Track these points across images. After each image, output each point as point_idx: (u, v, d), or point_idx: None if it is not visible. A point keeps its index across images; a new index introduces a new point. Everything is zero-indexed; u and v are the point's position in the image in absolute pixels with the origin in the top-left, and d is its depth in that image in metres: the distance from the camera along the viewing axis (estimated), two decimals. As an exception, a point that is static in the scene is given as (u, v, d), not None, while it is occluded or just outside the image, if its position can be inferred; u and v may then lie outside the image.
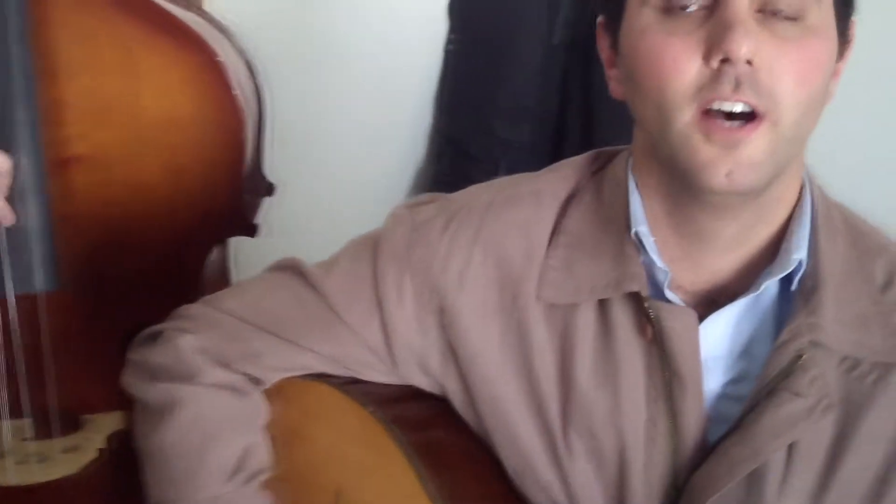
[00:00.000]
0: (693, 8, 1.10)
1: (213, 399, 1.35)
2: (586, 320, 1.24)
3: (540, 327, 1.26)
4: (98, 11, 1.70)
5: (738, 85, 1.08)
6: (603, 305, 1.24)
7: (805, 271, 1.21)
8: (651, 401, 1.22)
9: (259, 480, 1.35)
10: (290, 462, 1.37)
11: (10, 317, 1.64)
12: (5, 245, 1.63)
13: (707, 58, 1.09)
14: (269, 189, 1.92)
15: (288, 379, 1.38)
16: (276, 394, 1.39)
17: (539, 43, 2.84)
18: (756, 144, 1.09)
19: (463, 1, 2.79)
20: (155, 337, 1.42)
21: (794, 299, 1.20)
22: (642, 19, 1.14)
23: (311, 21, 2.77)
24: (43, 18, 1.67)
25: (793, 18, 1.10)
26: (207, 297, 1.44)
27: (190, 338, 1.37)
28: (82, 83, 1.70)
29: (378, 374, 1.36)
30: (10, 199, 1.56)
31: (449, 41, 2.80)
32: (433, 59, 2.83)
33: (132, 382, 1.42)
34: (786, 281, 1.21)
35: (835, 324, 1.19)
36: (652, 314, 1.21)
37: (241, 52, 1.93)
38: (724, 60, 1.07)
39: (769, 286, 1.20)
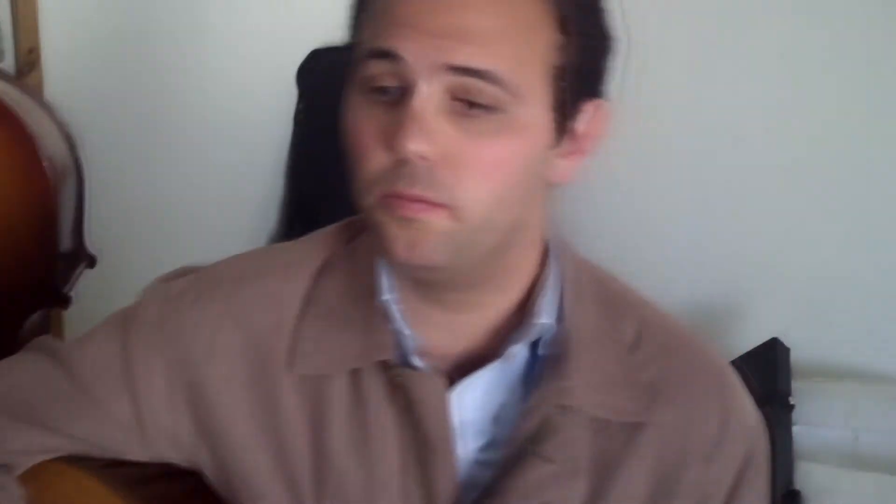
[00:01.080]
0: (388, 93, 1.09)
1: None
2: (340, 391, 1.24)
3: (291, 399, 1.25)
4: None
5: (413, 181, 1.07)
6: (356, 375, 1.24)
7: (553, 337, 1.22)
8: (405, 469, 1.22)
9: None
10: None
11: None
12: None
13: (389, 147, 1.08)
14: (90, 261, 1.95)
15: (41, 464, 1.33)
16: (30, 479, 1.33)
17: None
18: (432, 226, 1.09)
19: (309, 69, 2.84)
20: None
21: (544, 364, 1.22)
22: (352, 97, 1.13)
23: (159, 92, 2.80)
24: None
25: (493, 111, 1.07)
26: None
27: None
28: None
29: (132, 452, 1.32)
30: None
31: (298, 110, 2.84)
32: (284, 129, 2.86)
33: None
34: (536, 346, 1.24)
35: (584, 387, 1.21)
36: (401, 382, 1.21)
37: (60, 126, 1.97)
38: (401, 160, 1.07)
39: (518, 352, 1.22)
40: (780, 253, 2.70)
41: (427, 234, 1.08)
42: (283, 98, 2.76)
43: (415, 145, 1.05)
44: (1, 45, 2.58)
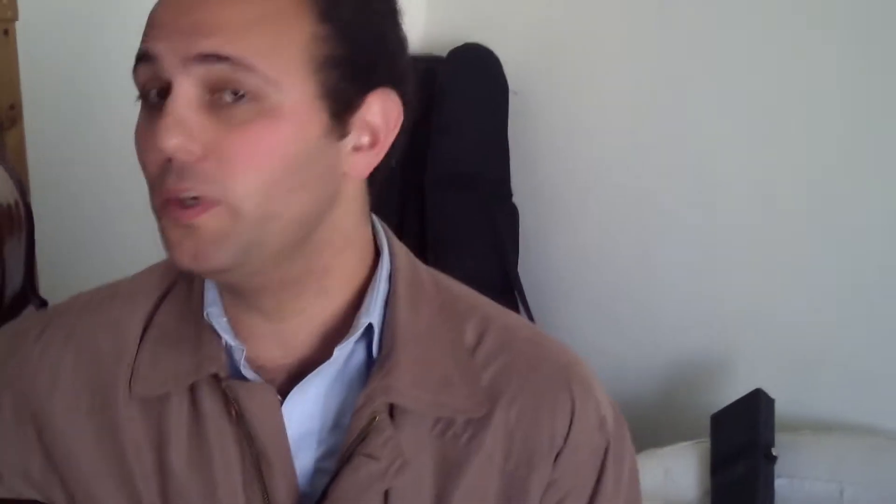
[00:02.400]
0: (156, 95, 1.08)
1: None
2: (179, 409, 1.22)
3: (134, 424, 1.23)
4: None
5: (181, 176, 1.05)
6: (193, 393, 1.22)
7: (381, 337, 1.21)
8: (246, 483, 1.20)
9: None
10: None
11: None
12: None
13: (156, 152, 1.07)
14: (41, 304, 1.94)
15: None
16: None
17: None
18: (210, 226, 1.07)
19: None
20: None
21: (373, 365, 1.20)
22: (139, 106, 1.12)
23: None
24: None
25: (251, 100, 1.06)
26: None
27: None
28: None
29: None
30: None
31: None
32: None
33: None
34: (369, 349, 1.22)
35: (411, 385, 1.19)
36: (231, 395, 1.19)
37: (9, 171, 1.97)
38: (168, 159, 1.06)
39: (345, 354, 1.20)
40: (766, 305, 2.69)
41: (207, 238, 1.07)
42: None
43: (171, 140, 1.04)
44: (-19, 101, 2.59)
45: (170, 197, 1.06)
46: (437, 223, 3.01)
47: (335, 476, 1.19)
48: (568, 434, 1.23)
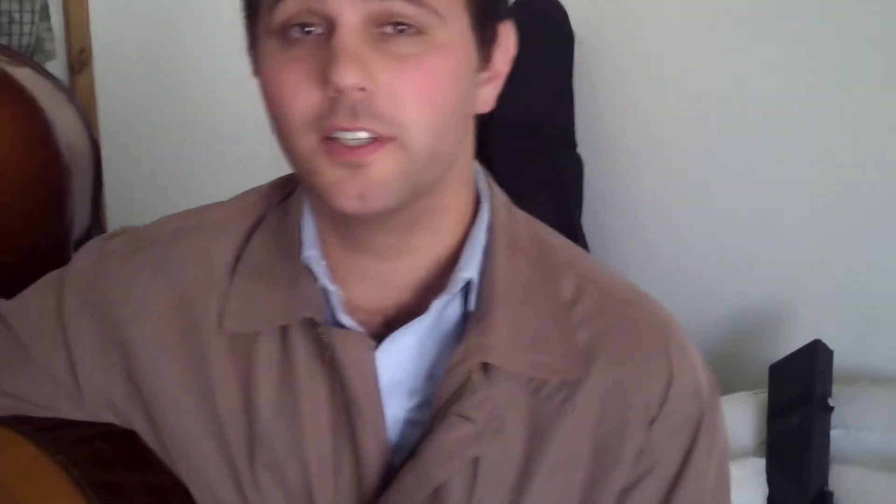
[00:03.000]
0: (310, 33, 1.06)
1: None
2: (268, 349, 1.21)
3: (222, 359, 1.22)
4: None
5: (354, 114, 1.03)
6: (284, 334, 1.21)
7: (477, 292, 1.18)
8: (336, 430, 1.19)
9: None
10: None
11: None
12: None
13: (322, 87, 1.04)
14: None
15: None
16: None
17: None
18: (382, 165, 1.06)
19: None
20: None
21: (468, 321, 1.18)
22: (266, 46, 1.09)
23: (202, 92, 2.84)
24: None
25: (414, 34, 1.05)
26: None
27: None
28: None
29: (68, 411, 1.30)
30: None
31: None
32: None
33: None
34: (466, 303, 1.20)
35: (508, 345, 1.16)
36: (326, 341, 1.18)
37: (77, 109, 2.02)
38: (338, 91, 1.03)
39: (442, 308, 1.18)
40: (825, 256, 2.67)
41: (376, 179, 1.06)
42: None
43: (351, 78, 1.02)
44: (53, 45, 2.65)
45: (334, 135, 1.05)
46: (501, 172, 3.02)
47: (428, 433, 1.17)
48: (664, 401, 1.20)
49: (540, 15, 3.07)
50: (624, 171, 3.10)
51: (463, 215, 1.20)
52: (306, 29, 1.05)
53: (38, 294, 1.31)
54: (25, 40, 2.53)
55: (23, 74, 1.89)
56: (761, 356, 2.63)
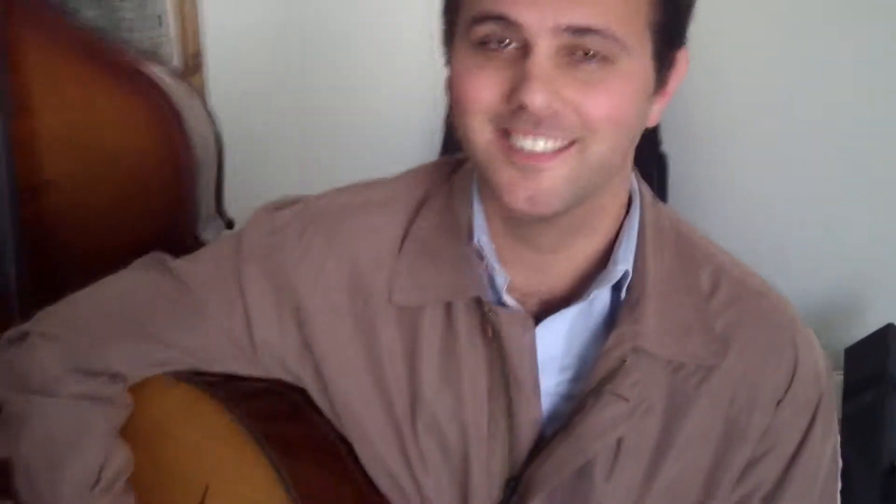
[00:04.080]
0: (506, 47, 1.14)
1: (68, 411, 1.38)
2: (433, 322, 1.30)
3: (390, 328, 1.32)
4: (66, 58, 1.98)
5: (537, 124, 1.12)
6: (448, 308, 1.30)
7: (630, 282, 1.28)
8: (492, 399, 1.29)
9: (119, 485, 1.39)
10: (157, 461, 1.42)
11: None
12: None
13: (508, 97, 1.13)
14: (228, 224, 2.16)
15: (151, 380, 1.41)
16: (140, 395, 1.42)
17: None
18: (557, 173, 1.15)
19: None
20: (22, 338, 1.43)
21: (621, 308, 1.27)
22: (462, 51, 1.18)
23: (314, 92, 2.98)
24: (18, 62, 1.96)
25: (601, 61, 1.13)
26: (73, 296, 1.45)
27: (52, 347, 1.40)
28: (50, 118, 1.97)
29: (239, 364, 1.39)
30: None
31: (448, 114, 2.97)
32: (433, 135, 2.97)
33: None
34: (617, 290, 1.29)
35: (657, 332, 1.26)
36: (491, 318, 1.27)
37: (203, 105, 2.20)
38: (521, 107, 1.12)
39: (600, 294, 1.28)
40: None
41: (548, 185, 1.15)
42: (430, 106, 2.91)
43: (540, 98, 1.11)
44: (170, 49, 2.83)
45: (512, 142, 1.15)
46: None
47: (581, 409, 1.28)
48: (790, 385, 1.30)
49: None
50: (706, 167, 3.21)
51: (618, 214, 1.30)
52: (498, 46, 1.15)
53: (214, 259, 1.40)
54: (144, 46, 2.72)
55: (155, 73, 2.08)
56: (837, 340, 2.73)
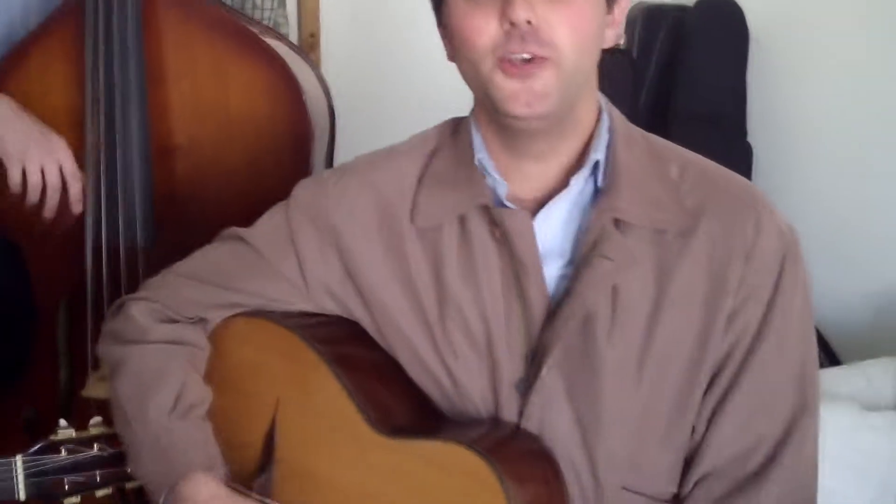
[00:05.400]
0: None
1: (154, 353, 1.65)
2: (451, 235, 1.56)
3: (415, 248, 1.58)
4: (197, 30, 2.20)
5: (523, 40, 1.41)
6: (462, 222, 1.56)
7: (605, 170, 1.52)
8: (506, 288, 1.53)
9: (197, 412, 1.63)
10: (237, 391, 1.67)
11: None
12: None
13: (500, 23, 1.41)
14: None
15: (232, 319, 1.69)
16: (223, 333, 1.70)
17: (623, 104, 3.25)
18: (544, 79, 1.42)
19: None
20: (120, 306, 1.74)
21: (600, 193, 1.52)
22: (454, 4, 1.47)
23: (426, 74, 3.13)
24: (153, 34, 2.18)
25: None
26: (169, 267, 1.76)
27: (141, 304, 1.70)
28: (183, 87, 2.19)
29: (298, 303, 1.66)
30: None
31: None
32: None
33: (100, 348, 1.75)
34: (596, 182, 1.53)
35: (632, 205, 1.50)
36: (497, 218, 1.52)
37: (319, 79, 2.40)
38: (511, 24, 1.40)
39: (580, 184, 1.52)
40: None
41: (539, 90, 1.42)
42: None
43: (523, 14, 1.39)
44: (287, 30, 3.02)
45: (510, 57, 1.42)
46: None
47: (576, 274, 1.51)
48: (756, 240, 1.50)
49: (718, 15, 3.38)
50: (790, 158, 3.35)
51: (589, 122, 1.55)
52: None
53: (269, 218, 1.69)
54: (265, 25, 2.91)
55: (281, 48, 2.27)
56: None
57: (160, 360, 1.64)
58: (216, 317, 1.69)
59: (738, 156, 3.36)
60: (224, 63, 2.19)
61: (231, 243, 1.71)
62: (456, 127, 1.64)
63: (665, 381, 1.51)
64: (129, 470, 1.68)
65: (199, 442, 1.61)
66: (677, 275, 1.50)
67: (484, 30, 1.43)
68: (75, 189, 2.16)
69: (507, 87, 1.43)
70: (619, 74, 3.28)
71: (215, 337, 1.70)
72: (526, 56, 1.41)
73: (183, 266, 1.73)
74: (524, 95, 1.43)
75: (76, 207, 2.18)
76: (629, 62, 3.40)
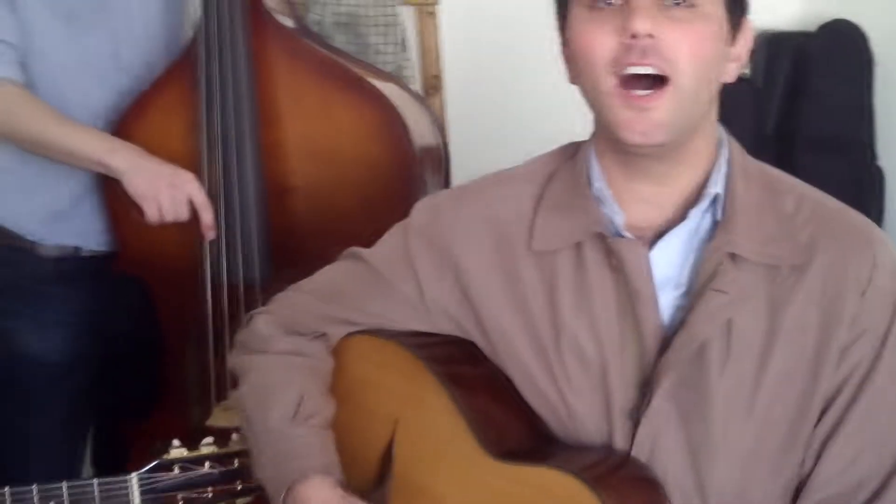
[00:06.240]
0: (611, 5, 1.44)
1: (277, 362, 1.73)
2: (566, 262, 1.56)
3: (530, 273, 1.59)
4: (306, 76, 2.31)
5: (644, 53, 1.40)
6: (578, 249, 1.56)
7: (723, 204, 1.52)
8: (621, 317, 1.53)
9: (318, 420, 1.69)
10: (358, 407, 1.73)
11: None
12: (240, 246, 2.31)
13: (620, 36, 1.41)
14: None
15: (352, 336, 1.74)
16: (344, 349, 1.75)
17: (748, 135, 3.26)
18: (662, 108, 1.42)
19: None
20: (249, 319, 1.82)
21: (717, 227, 1.51)
22: (577, 13, 1.48)
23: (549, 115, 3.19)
24: (265, 80, 2.30)
25: (688, 6, 1.42)
26: (293, 285, 1.83)
27: (267, 317, 1.78)
28: (295, 129, 2.30)
29: (415, 323, 1.69)
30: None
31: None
32: None
33: (230, 358, 1.85)
34: (714, 216, 1.52)
35: (747, 240, 1.49)
36: (613, 248, 1.52)
37: (430, 117, 2.48)
38: (632, 36, 1.40)
39: (698, 217, 1.52)
40: None
41: (658, 120, 1.43)
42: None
43: (645, 26, 1.39)
44: (411, 73, 3.11)
45: (627, 73, 1.42)
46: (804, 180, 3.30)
47: (691, 307, 1.51)
48: (871, 277, 1.50)
49: (841, 40, 3.37)
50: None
51: (710, 155, 1.55)
52: (608, 1, 1.45)
53: (389, 241, 1.73)
54: (388, 68, 3.00)
55: (388, 89, 2.36)
56: None
57: (282, 370, 1.72)
58: (336, 333, 1.75)
59: (869, 180, 3.34)
60: (331, 104, 2.30)
61: (352, 263, 1.76)
62: (574, 151, 1.65)
63: (776, 412, 1.51)
64: (238, 487, 1.80)
65: (317, 448, 1.66)
66: (790, 309, 1.50)
67: (604, 43, 1.44)
68: (207, 217, 2.29)
69: (624, 115, 1.44)
70: (743, 103, 3.30)
71: (336, 352, 1.76)
72: (645, 70, 1.42)
73: (306, 284, 1.80)
74: (640, 125, 1.44)
75: (210, 234, 2.30)
76: (753, 90, 3.40)
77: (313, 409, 1.69)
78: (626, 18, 1.42)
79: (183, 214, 2.28)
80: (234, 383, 1.81)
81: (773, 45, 3.44)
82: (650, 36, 1.41)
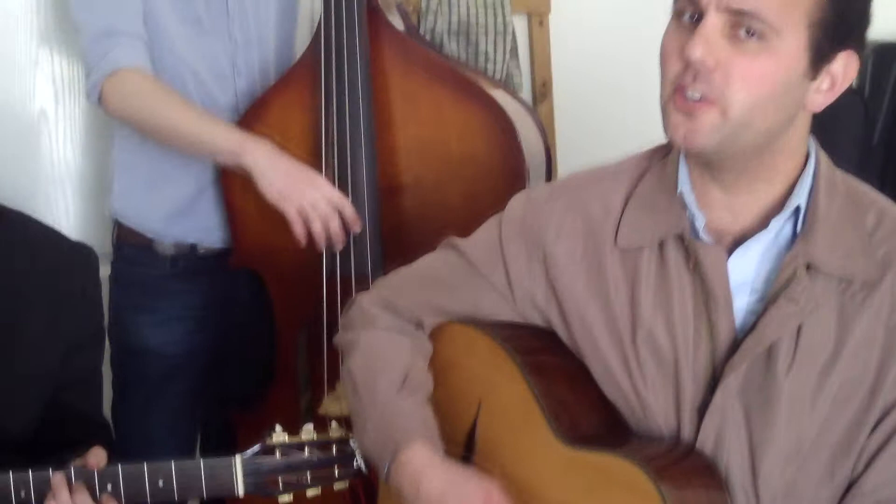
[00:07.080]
0: (688, 17, 1.49)
1: (383, 336, 1.84)
2: (649, 260, 1.64)
3: (615, 268, 1.67)
4: (419, 79, 2.41)
5: (696, 77, 1.46)
6: (661, 249, 1.63)
7: (805, 216, 1.57)
8: (696, 316, 1.60)
9: (421, 395, 1.78)
10: (448, 389, 1.83)
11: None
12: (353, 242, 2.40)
13: (682, 55, 1.47)
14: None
15: (444, 324, 1.85)
16: (437, 336, 1.86)
17: (855, 144, 3.30)
18: (705, 119, 1.47)
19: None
20: (352, 302, 1.94)
21: (798, 237, 1.57)
22: (668, 24, 1.54)
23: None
24: (381, 82, 2.40)
25: (758, 39, 1.45)
26: (393, 271, 1.96)
27: (371, 296, 1.91)
28: (408, 130, 2.40)
29: (504, 313, 1.78)
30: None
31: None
32: None
33: (336, 337, 1.96)
34: (795, 226, 1.58)
35: (825, 251, 1.54)
36: (693, 250, 1.59)
37: (536, 122, 2.56)
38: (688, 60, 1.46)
39: (779, 227, 1.57)
40: None
41: (698, 127, 1.48)
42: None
43: (697, 51, 1.44)
44: (520, 79, 3.17)
45: (680, 89, 1.48)
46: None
47: (763, 312, 1.57)
48: None
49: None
50: None
51: (792, 170, 1.60)
52: (684, 16, 1.51)
53: (483, 232, 1.83)
54: (498, 76, 3.05)
55: (498, 94, 2.44)
56: None
57: (389, 344, 1.83)
58: (430, 322, 1.86)
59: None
60: (443, 106, 2.39)
61: (448, 252, 1.85)
62: (667, 152, 1.70)
63: (835, 419, 1.56)
64: (335, 473, 1.92)
65: (420, 418, 1.75)
66: (858, 324, 1.55)
67: (674, 58, 1.50)
68: (349, 212, 2.35)
69: (674, 118, 1.50)
70: (850, 113, 3.31)
71: (434, 340, 1.86)
72: (694, 95, 1.47)
73: (407, 270, 1.91)
74: (683, 128, 1.49)
75: (356, 228, 2.37)
76: (861, 102, 3.42)
77: (418, 383, 1.79)
78: (686, 40, 1.47)
79: (332, 218, 2.34)
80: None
81: (881, 56, 3.45)
82: (702, 63, 1.46)
